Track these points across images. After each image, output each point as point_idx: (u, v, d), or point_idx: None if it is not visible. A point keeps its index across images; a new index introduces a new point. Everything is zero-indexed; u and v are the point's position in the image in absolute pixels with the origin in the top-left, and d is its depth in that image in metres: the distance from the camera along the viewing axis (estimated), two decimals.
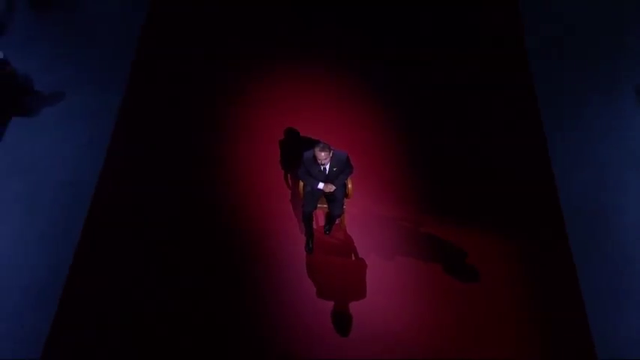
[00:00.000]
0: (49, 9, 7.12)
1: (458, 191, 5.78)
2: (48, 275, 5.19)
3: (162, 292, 5.33)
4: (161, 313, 5.17)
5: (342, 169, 4.80)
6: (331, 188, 4.79)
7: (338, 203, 4.99)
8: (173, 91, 6.64)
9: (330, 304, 4.92)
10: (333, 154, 4.64)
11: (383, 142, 6.15)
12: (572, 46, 7.11)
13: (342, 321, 4.85)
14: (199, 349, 4.91)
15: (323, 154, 4.57)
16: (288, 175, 5.74)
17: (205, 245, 5.45)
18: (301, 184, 5.01)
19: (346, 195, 5.00)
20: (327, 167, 4.70)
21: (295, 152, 5.38)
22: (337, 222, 5.25)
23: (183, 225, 5.59)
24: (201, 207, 5.68)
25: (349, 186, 5.01)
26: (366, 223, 5.42)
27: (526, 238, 5.48)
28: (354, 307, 4.91)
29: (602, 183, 5.80)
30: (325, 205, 5.11)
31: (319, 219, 5.37)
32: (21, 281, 5.15)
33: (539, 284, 5.20)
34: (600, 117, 6.33)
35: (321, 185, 4.79)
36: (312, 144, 4.69)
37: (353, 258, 5.20)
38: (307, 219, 5.14)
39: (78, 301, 5.07)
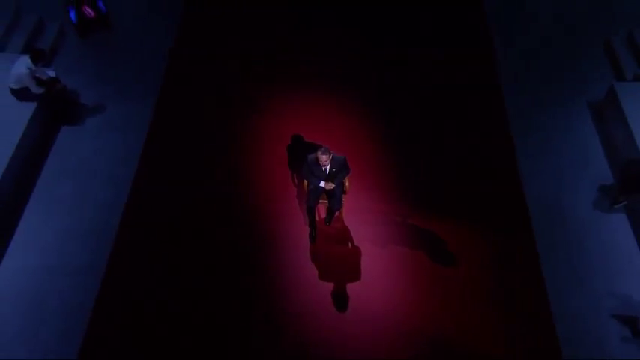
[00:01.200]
0: (92, 35, 7.11)
1: (438, 189, 5.76)
2: (85, 276, 4.98)
3: (195, 291, 5.05)
4: (196, 314, 4.82)
5: (340, 170, 4.80)
6: (331, 186, 4.80)
7: (337, 199, 5.00)
8: (197, 103, 6.58)
9: (330, 284, 4.94)
10: (332, 157, 4.64)
11: (375, 147, 6.10)
12: (536, 63, 7.03)
13: (340, 299, 4.86)
14: (225, 326, 4.71)
15: (324, 157, 4.57)
16: (294, 175, 5.73)
17: (227, 234, 5.38)
18: (305, 182, 5.01)
19: (344, 192, 5.02)
20: (328, 168, 4.69)
21: (300, 155, 5.37)
22: (336, 215, 5.27)
23: (207, 220, 5.51)
24: (221, 203, 5.62)
25: (346, 184, 5.03)
26: (361, 215, 5.42)
27: (496, 229, 5.45)
28: (350, 287, 4.93)
29: (559, 183, 5.77)
30: (326, 201, 5.13)
31: (321, 212, 5.37)
32: (60, 282, 4.96)
33: (508, 268, 5.17)
34: (558, 126, 6.32)
35: (322, 183, 4.79)
36: (315, 148, 4.69)
37: (350, 246, 5.20)
38: (310, 212, 5.15)
39: (113, 303, 4.86)
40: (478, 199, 5.61)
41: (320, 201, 5.11)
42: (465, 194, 5.66)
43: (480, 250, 5.25)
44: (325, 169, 4.69)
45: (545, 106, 6.44)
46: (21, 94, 5.73)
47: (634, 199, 5.32)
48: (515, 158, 5.91)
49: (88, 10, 6.82)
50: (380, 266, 5.08)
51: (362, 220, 5.38)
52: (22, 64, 5.57)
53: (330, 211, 5.18)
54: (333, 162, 4.67)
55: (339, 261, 5.14)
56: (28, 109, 5.72)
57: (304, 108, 6.54)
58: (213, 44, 7.27)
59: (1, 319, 4.65)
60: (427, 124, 6.37)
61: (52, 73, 5.90)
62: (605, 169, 5.85)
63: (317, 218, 5.27)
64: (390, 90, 6.80)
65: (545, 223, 5.38)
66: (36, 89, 5.70)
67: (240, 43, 7.32)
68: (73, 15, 6.84)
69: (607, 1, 7.53)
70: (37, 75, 5.65)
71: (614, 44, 6.85)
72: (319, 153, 4.58)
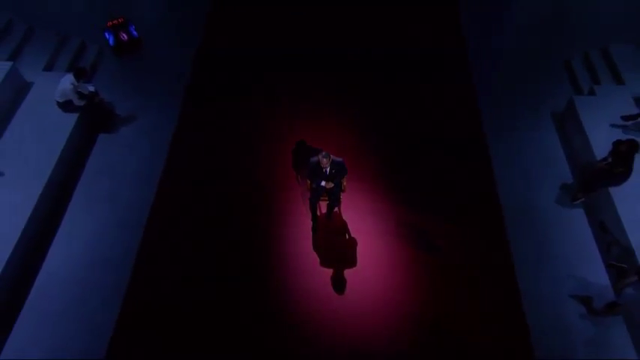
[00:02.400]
0: (125, 56, 7.09)
1: (422, 189, 5.63)
2: (114, 275, 4.81)
3: (211, 275, 4.85)
4: (220, 311, 4.60)
5: (339, 171, 4.73)
6: (331, 185, 4.74)
7: (336, 196, 4.95)
8: (215, 113, 6.48)
9: (330, 270, 4.91)
10: (332, 160, 4.58)
11: (368, 154, 6.00)
12: (507, 80, 6.90)
13: (338, 283, 4.82)
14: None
15: (325, 160, 4.51)
16: (299, 176, 5.66)
17: (241, 226, 5.28)
18: (309, 182, 4.96)
19: (342, 190, 4.98)
20: (328, 170, 4.63)
21: (304, 159, 5.22)
22: (335, 210, 5.22)
23: (224, 214, 5.39)
24: (236, 201, 5.50)
25: (344, 183, 4.98)
26: (356, 211, 5.37)
27: (472, 221, 5.35)
28: (347, 273, 4.89)
29: (527, 181, 5.68)
30: (326, 198, 5.07)
31: (322, 208, 5.34)
32: (98, 268, 4.84)
33: (483, 253, 5.09)
34: (526, 133, 6.22)
35: (323, 183, 4.73)
36: (317, 152, 4.66)
37: (347, 237, 5.16)
38: (313, 208, 5.08)
39: (141, 302, 4.63)
40: (457, 195, 5.53)
41: (321, 198, 5.06)
42: (445, 191, 5.58)
43: (458, 238, 5.17)
44: (326, 171, 4.63)
45: (515, 116, 6.37)
46: (65, 106, 5.71)
47: (590, 197, 5.29)
48: (490, 160, 5.84)
49: (123, 35, 6.82)
50: (372, 254, 5.04)
51: (357, 214, 5.33)
52: (67, 81, 5.55)
53: (330, 207, 5.13)
54: (332, 164, 4.61)
55: (337, 250, 5.10)
56: (71, 119, 5.70)
57: (307, 117, 6.44)
58: (228, 67, 7.11)
59: (48, 298, 4.62)
60: (415, 139, 6.18)
61: (91, 88, 5.90)
62: (566, 170, 5.78)
63: (319, 213, 5.23)
64: (381, 107, 6.60)
65: (514, 215, 5.33)
66: (78, 102, 5.69)
67: (252, 66, 7.13)
68: (110, 39, 6.84)
69: (567, 27, 7.51)
70: (79, 90, 5.64)
71: (573, 63, 6.82)
72: (320, 157, 4.52)
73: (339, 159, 4.68)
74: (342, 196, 5.07)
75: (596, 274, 4.81)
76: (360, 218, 5.29)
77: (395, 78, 7.00)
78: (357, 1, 8.11)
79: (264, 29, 7.65)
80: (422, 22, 7.72)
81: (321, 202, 5.17)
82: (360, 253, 4.99)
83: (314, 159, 4.61)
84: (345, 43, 7.47)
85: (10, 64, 5.85)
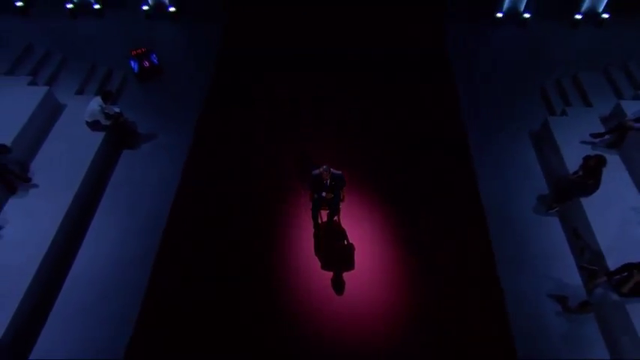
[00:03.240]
0: (147, 81, 7.25)
1: (414, 201, 5.66)
2: (133, 277, 4.86)
3: (222, 274, 4.86)
4: (237, 312, 4.60)
5: (338, 183, 4.83)
6: (330, 196, 4.85)
7: (335, 206, 5.03)
8: (226, 133, 6.50)
9: (330, 273, 4.95)
10: (332, 173, 4.70)
11: (364, 169, 6.00)
12: (490, 103, 7.02)
13: (337, 284, 4.87)
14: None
15: (325, 173, 4.64)
16: (301, 191, 5.68)
17: (251, 233, 5.30)
18: (311, 192, 5.05)
19: (341, 200, 5.07)
20: (328, 182, 4.74)
21: (307, 173, 5.25)
22: (335, 218, 5.27)
23: (237, 223, 5.38)
24: (248, 209, 5.54)
25: (343, 194, 5.07)
26: (354, 219, 5.42)
27: (460, 227, 5.37)
28: (346, 275, 4.94)
29: (507, 192, 5.76)
30: (327, 207, 5.13)
31: (323, 216, 5.37)
32: (121, 268, 4.91)
33: (469, 256, 5.11)
34: (507, 149, 6.31)
35: (323, 194, 4.83)
36: (318, 167, 4.76)
37: (345, 243, 5.21)
38: (315, 216, 5.18)
39: (159, 303, 4.64)
40: (444, 206, 5.59)
41: (322, 208, 5.14)
42: (434, 202, 5.64)
43: (446, 243, 5.22)
44: (326, 183, 4.74)
45: (497, 134, 6.50)
46: (93, 125, 5.92)
47: (564, 206, 5.43)
48: (474, 174, 5.94)
49: (145, 63, 7.07)
50: (368, 257, 5.10)
51: (355, 222, 5.39)
52: (95, 103, 5.76)
53: (330, 216, 5.20)
54: (332, 177, 4.72)
55: (337, 254, 5.14)
56: (98, 136, 5.89)
57: (307, 134, 6.47)
58: (240, 91, 7.15)
59: (77, 294, 4.75)
60: (410, 163, 6.11)
61: (117, 109, 6.07)
62: (542, 182, 5.89)
63: (320, 221, 5.31)
64: (373, 127, 6.62)
65: (496, 222, 5.41)
66: (105, 121, 5.88)
67: (263, 89, 7.16)
68: (134, 66, 7.09)
69: (542, 58, 7.70)
70: (106, 111, 5.83)
71: (547, 89, 7.02)
72: (321, 170, 4.64)
73: (339, 172, 4.80)
74: (341, 205, 5.17)
75: (571, 276, 4.91)
76: (358, 225, 5.37)
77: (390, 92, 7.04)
78: (360, 2, 8.21)
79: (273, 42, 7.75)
80: (413, 65, 7.64)
81: (322, 211, 5.27)
82: (358, 257, 5.07)
83: (316, 172, 4.74)
84: (346, 43, 7.55)
85: (46, 88, 6.12)
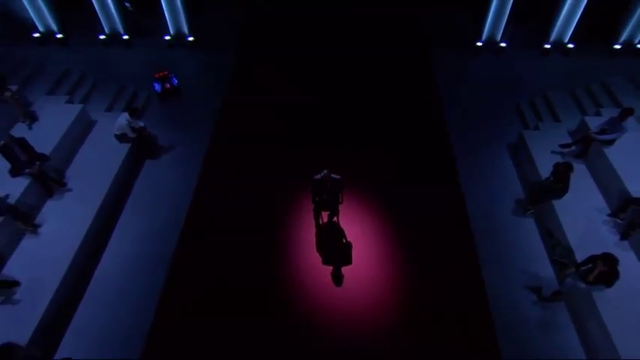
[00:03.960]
0: (168, 100, 7.54)
1: (404, 206, 5.83)
2: (154, 270, 5.05)
3: (231, 268, 5.01)
4: (230, 287, 4.80)
5: (337, 187, 5.03)
6: (330, 199, 5.05)
7: (334, 207, 5.23)
8: (239, 144, 6.77)
9: (330, 268, 5.16)
10: (331, 178, 4.90)
11: (362, 176, 6.19)
12: (474, 114, 7.29)
13: (336, 278, 5.07)
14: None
15: (325, 178, 4.86)
16: (304, 194, 5.62)
17: (260, 233, 5.50)
18: (312, 195, 5.21)
19: (340, 202, 5.25)
20: (328, 186, 4.95)
21: (309, 178, 5.31)
22: (334, 219, 5.45)
23: (246, 223, 5.59)
24: (256, 211, 5.74)
25: (342, 197, 5.23)
26: (351, 219, 5.61)
27: (446, 226, 5.56)
28: (344, 269, 5.13)
29: (488, 197, 5.99)
30: (327, 209, 5.32)
31: (324, 217, 5.57)
32: (143, 265, 5.10)
33: (455, 252, 5.30)
34: (487, 159, 6.59)
35: (324, 197, 5.04)
36: (319, 172, 4.98)
37: (344, 241, 5.38)
38: (316, 217, 5.39)
39: (175, 302, 4.74)
40: (432, 208, 5.83)
41: (323, 209, 5.34)
42: (424, 208, 5.84)
43: (434, 243, 5.42)
44: (327, 187, 4.96)
45: (478, 147, 6.80)
46: (120, 138, 6.28)
47: (538, 209, 5.71)
48: (459, 182, 6.18)
49: (167, 84, 7.50)
50: (363, 254, 5.30)
51: (352, 222, 5.59)
52: (123, 118, 6.11)
53: (330, 216, 5.41)
54: (331, 181, 4.93)
55: (336, 251, 5.33)
56: (124, 147, 6.25)
57: (309, 144, 6.75)
58: (251, 110, 7.36)
59: (104, 287, 4.99)
60: (402, 171, 6.35)
61: (141, 124, 6.38)
62: (519, 188, 6.18)
63: (321, 221, 5.52)
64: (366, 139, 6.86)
65: (479, 223, 5.66)
66: (131, 134, 6.21)
67: (273, 108, 7.38)
68: (157, 87, 7.52)
69: (516, 79, 8.02)
70: (132, 125, 6.16)
71: (522, 106, 7.37)
72: (322, 175, 4.88)
73: (338, 177, 5.02)
74: (340, 207, 5.37)
75: (544, 270, 5.18)
76: (354, 225, 5.57)
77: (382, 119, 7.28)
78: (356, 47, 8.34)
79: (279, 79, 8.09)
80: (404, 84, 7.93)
81: (322, 213, 5.49)
82: (355, 253, 5.28)
83: (317, 177, 4.98)
84: (341, 90, 7.76)
85: (80, 106, 6.55)
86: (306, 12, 9.52)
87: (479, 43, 8.64)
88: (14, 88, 6.16)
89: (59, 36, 8.46)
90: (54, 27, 8.34)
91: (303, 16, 9.50)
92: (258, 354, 4.50)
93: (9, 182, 5.21)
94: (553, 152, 6.09)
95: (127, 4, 8.63)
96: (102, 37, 8.62)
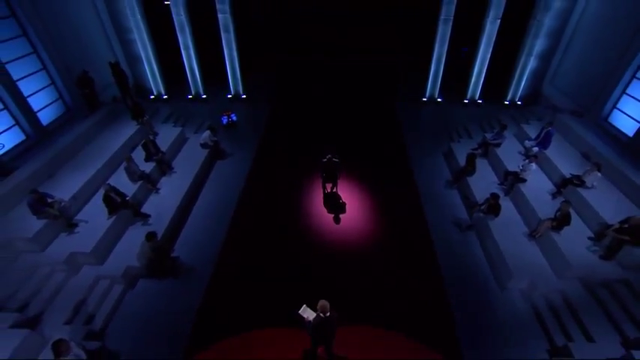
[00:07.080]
0: (230, 128, 8.49)
1: (377, 184, 6.77)
2: (217, 226, 5.73)
3: (264, 240, 5.60)
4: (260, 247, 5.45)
5: (337, 167, 6.13)
6: (332, 174, 6.08)
7: (335, 180, 6.34)
8: (271, 152, 7.80)
9: (331, 215, 6.19)
10: (333, 161, 6.03)
11: (353, 161, 7.25)
12: (423, 136, 8.47)
13: (336, 220, 6.02)
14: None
15: (328, 161, 5.99)
16: (316, 173, 6.71)
17: (289, 197, 6.37)
18: (321, 173, 6.31)
19: (338, 177, 6.29)
20: (331, 166, 6.02)
21: (319, 161, 6.28)
22: (335, 188, 6.51)
23: (281, 194, 6.48)
24: (288, 188, 6.66)
25: (339, 174, 6.21)
26: (345, 189, 6.67)
27: (404, 197, 6.48)
28: (341, 216, 6.10)
29: (431, 182, 6.97)
30: (330, 182, 6.36)
31: (327, 187, 6.50)
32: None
33: (409, 210, 6.18)
34: (428, 162, 7.76)
35: (329, 173, 6.09)
36: (325, 156, 5.99)
37: (340, 201, 6.42)
38: (323, 186, 6.48)
39: (226, 262, 5.14)
40: (395, 186, 6.89)
41: (327, 182, 6.44)
42: (389, 185, 6.87)
43: (395, 201, 6.35)
44: (329, 166, 6.08)
45: (424, 155, 7.98)
46: (203, 146, 7.81)
47: (458, 183, 7.01)
48: (412, 173, 7.30)
49: (230, 119, 9.14)
50: (352, 208, 6.30)
51: (345, 191, 6.65)
52: (206, 133, 7.75)
53: (333, 186, 6.53)
54: (333, 163, 6.09)
55: (336, 207, 6.30)
56: (204, 152, 7.70)
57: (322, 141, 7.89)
58: (280, 136, 8.39)
59: (192, 225, 5.95)
60: (377, 168, 7.15)
61: (215, 138, 7.86)
62: (448, 175, 7.42)
63: (326, 190, 6.58)
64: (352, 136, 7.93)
65: (424, 193, 6.72)
66: (210, 143, 7.76)
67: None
68: (224, 120, 9.14)
69: (448, 119, 9.23)
70: (212, 137, 7.69)
71: (451, 132, 8.94)
72: (326, 159, 6.07)
73: (337, 160, 6.22)
74: (339, 180, 6.42)
75: (463, 214, 6.42)
76: (347, 192, 6.67)
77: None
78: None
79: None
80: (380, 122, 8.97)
81: (327, 184, 6.57)
82: (348, 208, 6.40)
83: (323, 160, 6.23)
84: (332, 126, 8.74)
85: (180, 128, 8.37)
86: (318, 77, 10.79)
87: (424, 99, 10.28)
88: (147, 116, 8.15)
89: (165, 97, 10.22)
90: (162, 91, 10.29)
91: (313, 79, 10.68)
92: (288, 254, 5.39)
93: (144, 165, 6.87)
94: (468, 153, 7.61)
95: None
96: (189, 96, 10.20)
